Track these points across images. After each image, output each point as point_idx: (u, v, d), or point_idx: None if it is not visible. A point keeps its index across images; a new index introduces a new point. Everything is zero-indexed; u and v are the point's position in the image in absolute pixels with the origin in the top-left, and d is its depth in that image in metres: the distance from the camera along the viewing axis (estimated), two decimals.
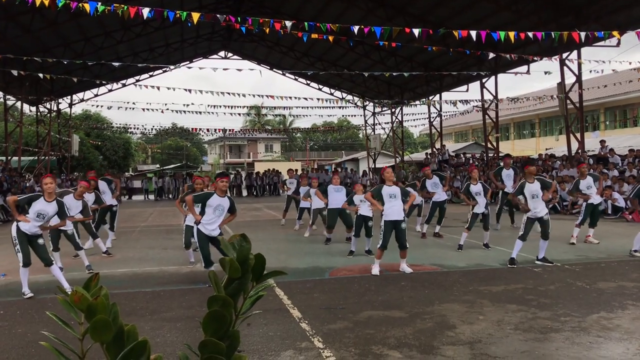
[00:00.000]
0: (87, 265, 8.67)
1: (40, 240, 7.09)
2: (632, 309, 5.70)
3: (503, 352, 4.45)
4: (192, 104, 27.65)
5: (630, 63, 18.26)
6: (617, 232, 12.28)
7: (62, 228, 8.23)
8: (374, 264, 8.07)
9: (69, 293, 1.29)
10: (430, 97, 29.81)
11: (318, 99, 25.35)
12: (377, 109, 36.62)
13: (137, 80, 30.29)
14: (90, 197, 10.13)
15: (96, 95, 31.22)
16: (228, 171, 37.28)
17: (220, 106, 26.55)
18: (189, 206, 7.67)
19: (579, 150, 19.80)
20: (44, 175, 7.69)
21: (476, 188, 10.14)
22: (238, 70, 19.91)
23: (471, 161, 27.63)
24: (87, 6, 10.89)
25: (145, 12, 11.53)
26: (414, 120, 34.49)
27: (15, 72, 17.18)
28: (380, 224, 8.15)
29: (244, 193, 34.77)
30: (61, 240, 8.70)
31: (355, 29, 13.25)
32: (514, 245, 8.58)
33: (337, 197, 10.86)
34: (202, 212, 7.40)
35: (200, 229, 7.32)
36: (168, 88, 20.58)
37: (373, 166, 36.87)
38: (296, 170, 15.95)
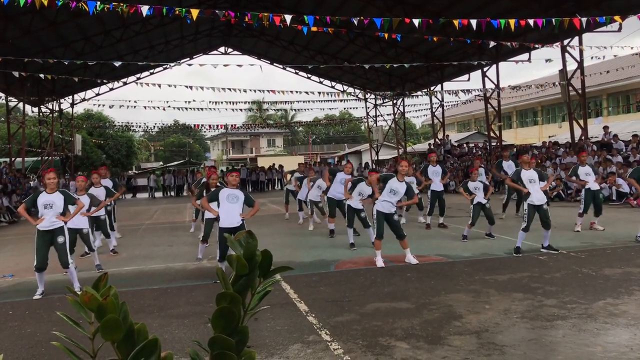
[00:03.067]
0: (97, 265, 8.70)
1: (61, 239, 7.10)
2: (639, 295, 5.70)
3: (510, 341, 4.46)
4: (194, 100, 27.83)
5: (632, 48, 18.19)
6: (622, 218, 12.26)
7: (77, 227, 8.30)
8: (376, 256, 8.09)
9: (79, 293, 1.30)
10: (432, 88, 29.73)
11: (319, 93, 25.30)
12: (379, 101, 36.54)
13: (138, 79, 30.30)
14: (100, 192, 10.03)
15: (97, 95, 31.26)
16: (237, 166, 37.42)
17: (221, 102, 26.55)
18: (205, 206, 8.03)
19: (582, 137, 19.74)
20: (47, 170, 7.68)
21: (474, 184, 10.22)
22: (238, 66, 19.86)
23: (474, 151, 27.60)
24: (86, 5, 10.89)
25: (144, 9, 11.52)
26: (416, 111, 34.43)
27: (16, 74, 17.19)
28: (373, 213, 8.27)
29: (249, 189, 34.87)
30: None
31: (355, 20, 13.21)
32: (518, 235, 8.61)
33: (339, 188, 10.88)
34: (219, 206, 7.61)
35: (220, 225, 7.48)
36: (169, 85, 20.57)
37: (376, 158, 36.84)
38: (299, 163, 15.99)
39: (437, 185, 12.09)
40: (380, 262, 7.95)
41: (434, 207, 12.19)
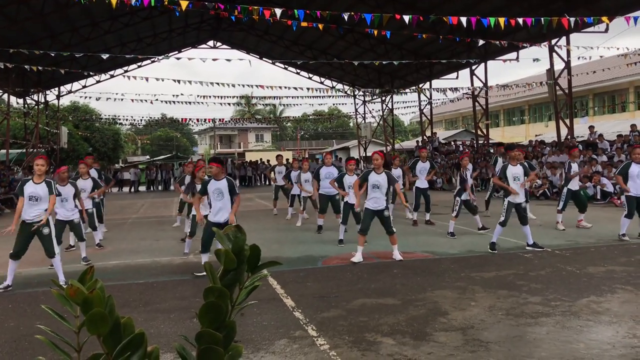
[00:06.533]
0: (84, 257, 8.62)
1: (46, 230, 6.98)
2: (621, 293, 5.78)
3: (495, 338, 4.50)
4: (181, 94, 27.52)
5: (617, 49, 18.37)
6: (606, 217, 12.40)
7: (68, 219, 8.29)
8: (356, 251, 8.09)
9: (64, 287, 1.29)
10: (421, 85, 29.79)
11: (308, 88, 25.27)
12: (368, 97, 36.56)
13: (126, 71, 29.96)
14: (87, 185, 9.94)
15: (84, 87, 30.84)
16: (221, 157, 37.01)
17: (209, 96, 26.40)
18: (195, 206, 8.17)
19: (569, 136, 19.92)
20: (38, 156, 7.48)
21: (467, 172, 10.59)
22: (227, 60, 19.73)
23: (461, 148, 27.75)
24: None
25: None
26: (405, 108, 34.55)
27: (1, 64, 16.94)
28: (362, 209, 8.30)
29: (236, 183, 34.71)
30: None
31: (345, 16, 13.19)
32: (495, 229, 8.71)
33: (327, 184, 10.88)
34: (209, 201, 7.70)
35: (209, 218, 7.57)
36: (157, 79, 20.41)
37: (364, 155, 36.88)
38: (287, 159, 15.94)
39: (422, 182, 12.19)
40: (356, 258, 7.94)
41: (419, 202, 12.28)
